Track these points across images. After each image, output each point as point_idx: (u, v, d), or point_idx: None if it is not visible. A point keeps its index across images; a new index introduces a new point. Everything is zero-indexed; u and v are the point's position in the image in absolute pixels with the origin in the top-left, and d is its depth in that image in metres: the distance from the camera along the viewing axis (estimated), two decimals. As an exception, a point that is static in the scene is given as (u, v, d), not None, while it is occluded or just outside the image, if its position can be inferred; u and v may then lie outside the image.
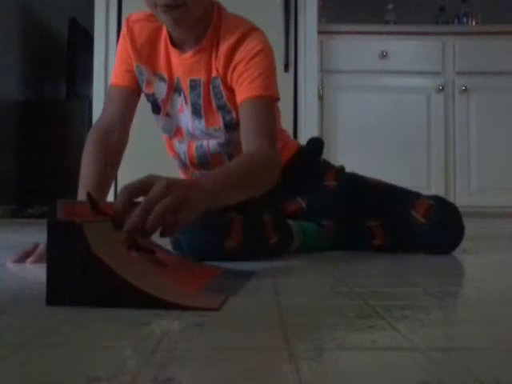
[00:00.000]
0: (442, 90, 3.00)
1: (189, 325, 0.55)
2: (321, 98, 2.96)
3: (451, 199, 2.38)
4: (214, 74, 1.15)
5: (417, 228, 1.20)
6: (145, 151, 2.34)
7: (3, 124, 3.13)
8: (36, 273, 0.92)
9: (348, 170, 1.40)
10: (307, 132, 2.66)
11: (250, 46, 1.11)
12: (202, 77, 1.16)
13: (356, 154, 2.91)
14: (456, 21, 3.43)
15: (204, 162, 1.25)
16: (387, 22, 3.37)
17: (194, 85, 1.17)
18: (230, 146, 1.22)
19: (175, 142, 1.28)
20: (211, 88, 1.16)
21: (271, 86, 1.10)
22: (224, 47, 1.12)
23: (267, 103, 1.10)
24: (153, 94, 1.22)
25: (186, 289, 0.71)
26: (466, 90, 3.00)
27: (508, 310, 0.66)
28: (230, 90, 1.15)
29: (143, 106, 1.27)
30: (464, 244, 1.25)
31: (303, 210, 1.33)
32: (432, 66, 3.02)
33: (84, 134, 3.90)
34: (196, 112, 1.19)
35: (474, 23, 3.40)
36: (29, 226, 2.28)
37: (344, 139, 2.96)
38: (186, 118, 1.22)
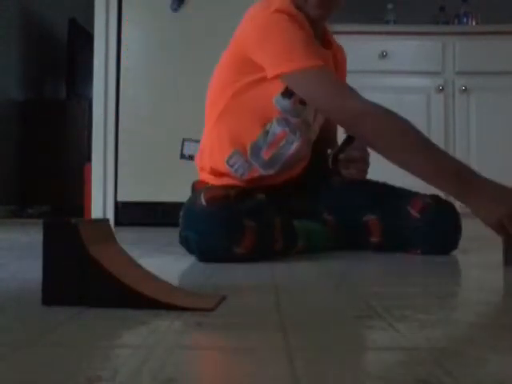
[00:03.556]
0: (441, 90, 3.00)
1: (189, 325, 0.55)
2: (321, 98, 2.95)
3: (451, 199, 2.38)
4: None
5: (410, 223, 1.21)
6: (148, 140, 2.31)
7: (3, 124, 3.13)
8: (36, 273, 0.91)
9: (348, 169, 1.41)
10: (307, 132, 2.65)
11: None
12: None
13: (356, 153, 2.91)
14: (456, 21, 3.43)
15: (287, 160, 1.25)
16: (387, 22, 3.36)
17: None
18: (310, 148, 1.30)
19: (289, 133, 1.22)
20: None
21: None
22: (334, 47, 1.36)
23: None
24: None
25: (182, 290, 0.70)
26: (466, 89, 3.00)
27: (508, 310, 0.66)
28: None
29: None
30: (464, 244, 1.25)
31: (309, 205, 1.33)
32: (432, 66, 3.01)
33: (84, 134, 3.84)
34: None
35: (474, 23, 3.39)
36: (29, 226, 2.27)
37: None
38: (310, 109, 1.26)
